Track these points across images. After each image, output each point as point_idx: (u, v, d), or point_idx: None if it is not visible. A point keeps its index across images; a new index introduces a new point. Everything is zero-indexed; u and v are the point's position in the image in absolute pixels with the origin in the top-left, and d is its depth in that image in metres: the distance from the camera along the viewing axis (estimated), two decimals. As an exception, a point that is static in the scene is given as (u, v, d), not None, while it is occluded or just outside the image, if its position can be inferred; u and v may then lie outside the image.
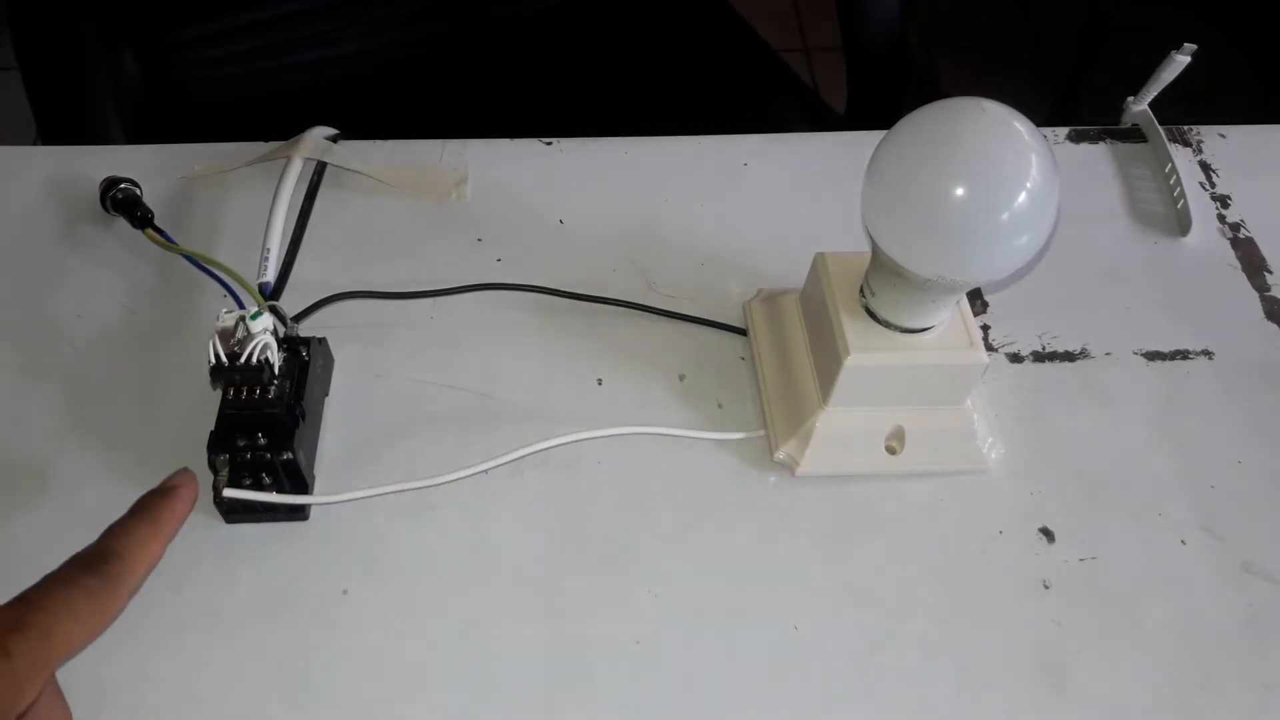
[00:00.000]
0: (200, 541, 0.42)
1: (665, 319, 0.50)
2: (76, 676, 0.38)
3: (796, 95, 0.91)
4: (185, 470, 0.38)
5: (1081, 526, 0.44)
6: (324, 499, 0.42)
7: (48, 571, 0.41)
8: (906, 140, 0.38)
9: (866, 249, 0.42)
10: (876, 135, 0.39)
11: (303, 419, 0.42)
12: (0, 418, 0.45)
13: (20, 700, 0.31)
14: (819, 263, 0.45)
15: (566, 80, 0.88)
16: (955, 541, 0.44)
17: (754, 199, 0.56)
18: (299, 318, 0.47)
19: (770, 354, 0.48)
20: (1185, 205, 0.56)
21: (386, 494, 0.43)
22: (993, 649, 0.41)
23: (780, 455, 0.45)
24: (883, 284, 0.41)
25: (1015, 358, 0.50)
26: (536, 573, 0.42)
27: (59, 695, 0.34)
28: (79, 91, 0.76)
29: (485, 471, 0.43)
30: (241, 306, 0.42)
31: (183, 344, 0.48)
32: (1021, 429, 0.47)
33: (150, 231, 0.50)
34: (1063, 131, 0.61)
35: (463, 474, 0.43)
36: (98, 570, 0.34)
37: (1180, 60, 0.56)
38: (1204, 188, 0.58)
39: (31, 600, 0.32)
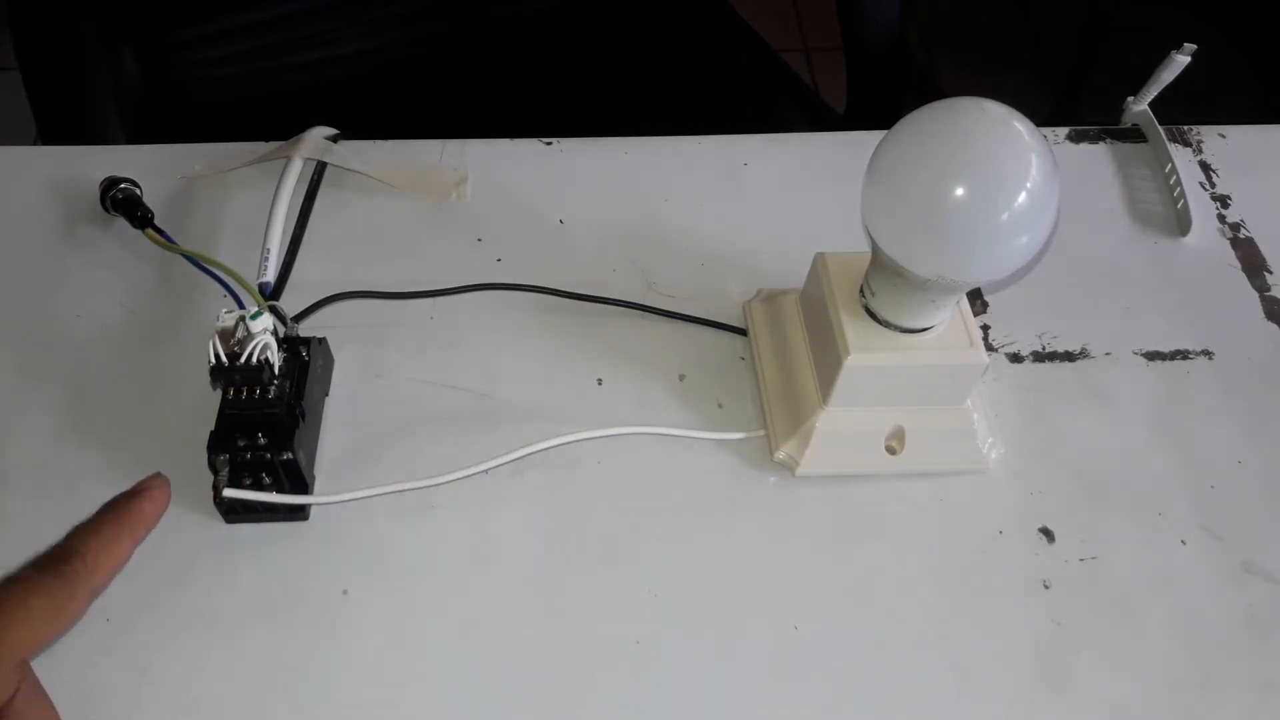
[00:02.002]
0: (200, 541, 0.42)
1: (665, 319, 0.50)
2: (75, 677, 0.38)
3: (796, 95, 0.90)
4: (158, 475, 0.38)
5: (1081, 526, 0.44)
6: (324, 499, 0.42)
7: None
8: (906, 140, 0.38)
9: (866, 249, 0.42)
10: (876, 135, 0.39)
11: (303, 419, 0.42)
12: (0, 418, 0.45)
13: None
14: (819, 263, 0.45)
15: (566, 80, 0.88)
16: (955, 541, 0.44)
17: (754, 199, 0.56)
18: (299, 318, 0.47)
19: (770, 354, 0.48)
20: (1185, 205, 0.56)
21: (386, 494, 0.43)
22: (993, 649, 0.41)
23: (780, 455, 0.45)
24: (883, 284, 0.41)
25: (1015, 358, 0.50)
26: (536, 573, 0.42)
27: (39, 692, 0.34)
28: (79, 91, 0.76)
29: (485, 471, 0.43)
30: (241, 306, 0.42)
31: (183, 344, 0.48)
32: (1021, 429, 0.47)
33: (150, 231, 0.50)
34: (1063, 131, 0.61)
35: (463, 474, 0.43)
36: (56, 570, 0.33)
37: (1180, 60, 0.56)
38: (1204, 188, 0.58)
39: None
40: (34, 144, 0.60)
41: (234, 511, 0.42)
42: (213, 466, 0.40)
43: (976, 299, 0.52)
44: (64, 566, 0.34)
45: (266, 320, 0.41)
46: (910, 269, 0.38)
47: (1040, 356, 0.50)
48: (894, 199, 0.38)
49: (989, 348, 0.50)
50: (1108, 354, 0.50)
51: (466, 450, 0.44)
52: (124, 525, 0.36)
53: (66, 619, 0.34)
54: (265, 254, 0.48)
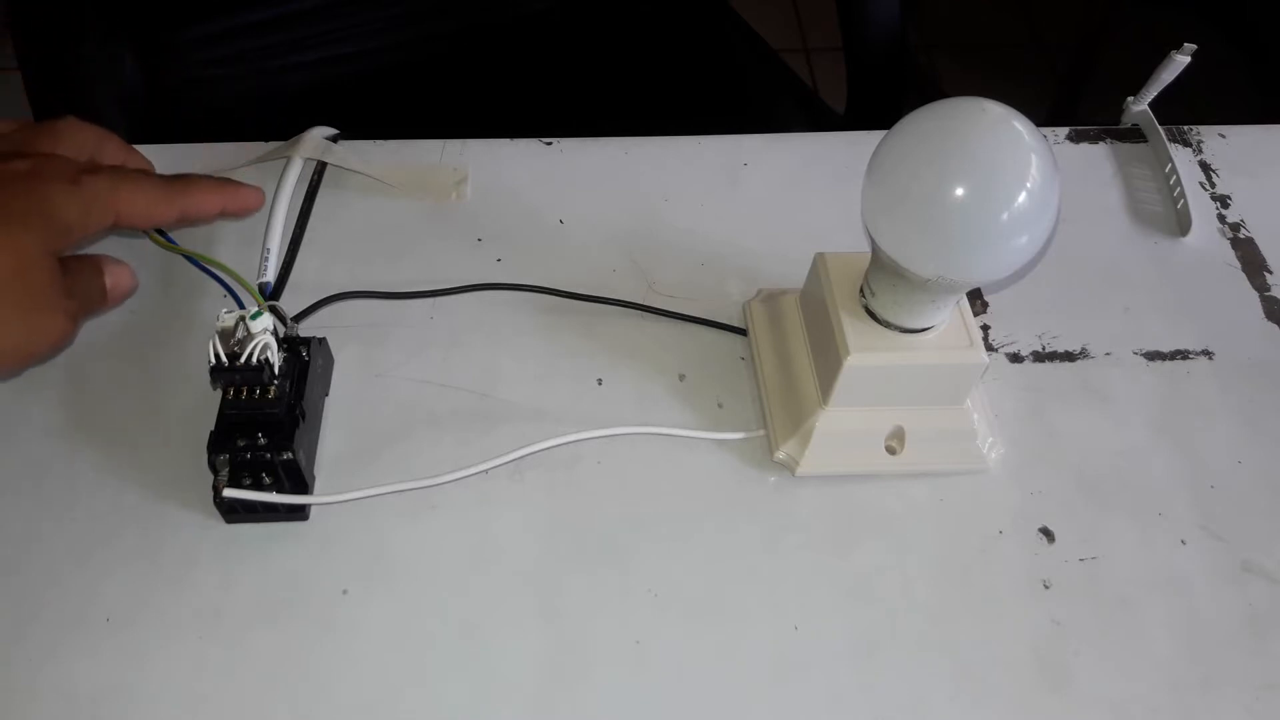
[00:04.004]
0: (200, 541, 0.42)
1: (665, 319, 0.50)
2: (75, 677, 0.38)
3: (796, 95, 0.91)
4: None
5: (1081, 526, 0.44)
6: (324, 499, 0.42)
7: (47, 572, 0.41)
8: (906, 140, 0.38)
9: (866, 249, 0.42)
10: (876, 135, 0.39)
11: (303, 419, 0.42)
12: (0, 418, 0.45)
13: (77, 226, 0.36)
14: (819, 263, 0.45)
15: (566, 80, 0.88)
16: (955, 541, 0.44)
17: (754, 199, 0.56)
18: (299, 318, 0.47)
19: (770, 354, 0.48)
20: (1185, 205, 0.56)
21: (386, 494, 0.43)
22: (992, 649, 0.41)
23: (780, 455, 0.45)
24: (883, 284, 0.41)
25: (1015, 358, 0.50)
26: (536, 572, 0.42)
27: (118, 264, 0.41)
28: (79, 92, 0.76)
29: (485, 471, 0.43)
30: (241, 306, 0.42)
31: (183, 344, 0.48)
32: (1021, 429, 0.47)
33: (150, 231, 0.50)
34: (1063, 131, 0.61)
35: (463, 474, 0.43)
36: (165, 180, 0.41)
37: (1180, 60, 0.56)
38: (1204, 188, 0.58)
39: (108, 166, 0.39)
40: (34, 144, 0.60)
41: (234, 511, 0.41)
42: (213, 466, 0.40)
43: (976, 299, 0.52)
44: (172, 182, 0.41)
45: (266, 320, 0.41)
46: (910, 269, 0.38)
47: (1040, 356, 0.50)
48: (894, 199, 0.38)
49: (989, 348, 0.50)
50: (1108, 354, 0.50)
51: (466, 450, 0.44)
52: (224, 187, 0.43)
53: (161, 214, 0.40)
54: (265, 254, 0.48)
